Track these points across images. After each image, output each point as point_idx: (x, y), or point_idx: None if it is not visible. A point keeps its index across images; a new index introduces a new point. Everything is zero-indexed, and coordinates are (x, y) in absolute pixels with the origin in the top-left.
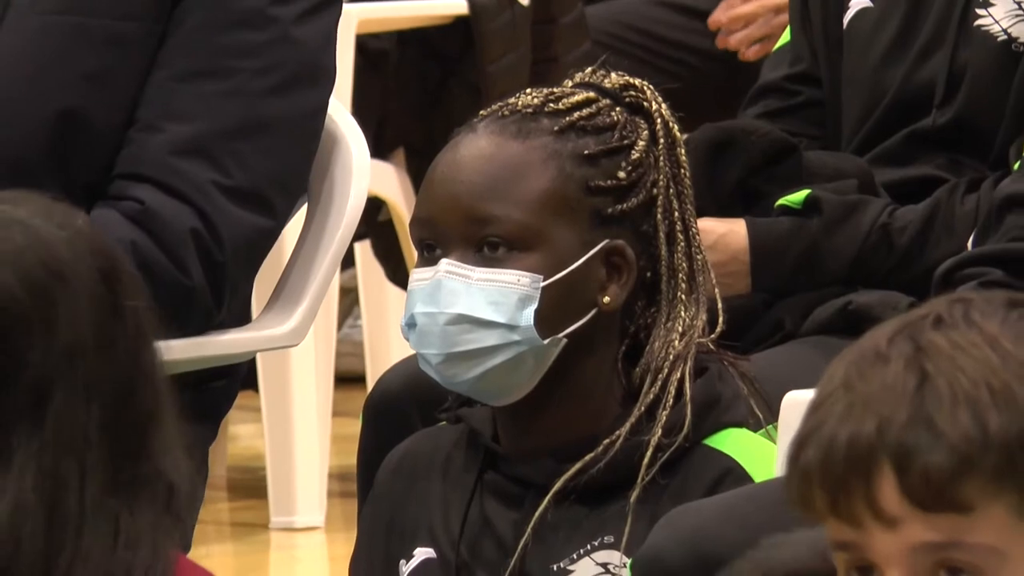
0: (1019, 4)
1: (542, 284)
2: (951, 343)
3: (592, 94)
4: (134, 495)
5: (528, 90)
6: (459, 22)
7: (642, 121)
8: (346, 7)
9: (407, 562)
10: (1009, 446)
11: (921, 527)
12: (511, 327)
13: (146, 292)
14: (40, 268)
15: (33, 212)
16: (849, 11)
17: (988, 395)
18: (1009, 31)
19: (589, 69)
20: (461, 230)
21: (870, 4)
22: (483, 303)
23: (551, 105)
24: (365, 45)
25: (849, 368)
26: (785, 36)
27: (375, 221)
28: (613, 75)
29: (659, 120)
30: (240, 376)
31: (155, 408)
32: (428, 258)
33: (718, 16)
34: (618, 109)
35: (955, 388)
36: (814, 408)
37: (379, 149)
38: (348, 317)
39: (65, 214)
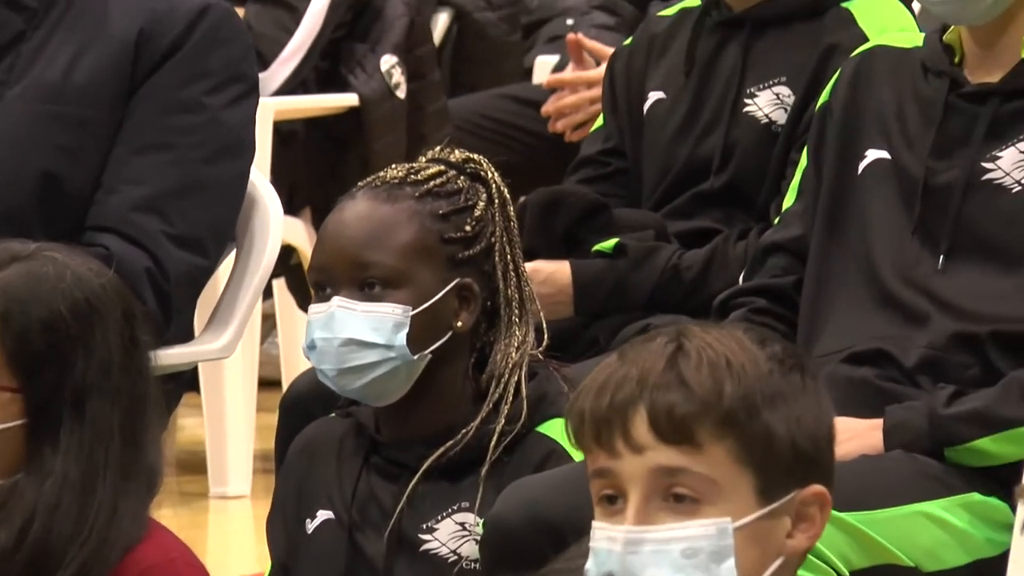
0: (778, 96)
1: (411, 313)
2: (705, 331)
3: (442, 167)
4: (131, 479)
5: (394, 165)
6: (352, 111)
7: (480, 186)
8: (266, 99)
9: (312, 521)
10: (734, 405)
11: (661, 454)
12: (388, 347)
13: (156, 328)
14: (83, 303)
15: (78, 262)
16: (647, 101)
17: (726, 366)
18: (770, 116)
19: (438, 148)
20: (347, 274)
21: (664, 96)
22: (366, 329)
23: (412, 177)
24: (280, 128)
25: (624, 347)
26: (599, 120)
27: (288, 263)
28: (456, 152)
29: (494, 185)
30: (185, 380)
31: (152, 413)
32: (322, 296)
33: (548, 107)
34: (462, 178)
35: (702, 355)
36: (592, 375)
37: (291, 208)
38: (268, 336)
39: (99, 266)
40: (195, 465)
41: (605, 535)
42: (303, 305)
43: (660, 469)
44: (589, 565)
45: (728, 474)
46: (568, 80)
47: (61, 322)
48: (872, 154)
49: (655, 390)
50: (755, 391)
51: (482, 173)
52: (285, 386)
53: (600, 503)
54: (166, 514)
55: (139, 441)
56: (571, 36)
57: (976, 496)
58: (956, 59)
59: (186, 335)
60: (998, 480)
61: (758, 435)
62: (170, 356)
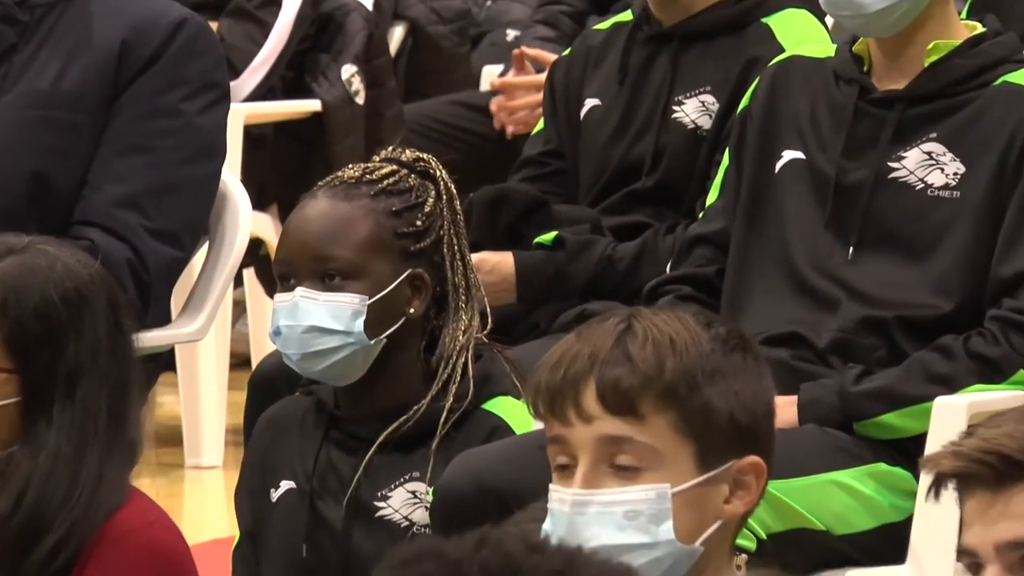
0: (703, 104)
1: (368, 302)
2: (655, 313)
3: (395, 167)
4: (115, 451)
5: (351, 166)
6: (315, 116)
7: (430, 184)
8: (237, 105)
9: (275, 491)
10: (675, 381)
11: (608, 424)
12: (347, 333)
13: (137, 314)
14: (73, 291)
15: (68, 254)
16: (584, 107)
17: (670, 344)
18: (696, 121)
19: (390, 148)
20: (309, 267)
21: (599, 102)
22: (327, 317)
23: (367, 176)
24: (250, 131)
25: (581, 327)
26: (540, 124)
27: (257, 254)
28: (407, 152)
29: (442, 183)
30: (163, 361)
31: (135, 392)
32: (286, 286)
33: (494, 105)
34: (413, 176)
35: (648, 333)
36: (551, 351)
37: (259, 204)
38: (238, 320)
39: (87, 258)
40: (172, 438)
41: (557, 497)
42: (271, 292)
43: (606, 438)
44: (546, 525)
45: (669, 444)
46: (515, 83)
47: (53, 309)
48: (788, 155)
49: (603, 365)
50: (696, 367)
51: (431, 171)
52: (254, 366)
53: (556, 468)
54: (145, 483)
55: (123, 417)
56: (516, 51)
57: (883, 466)
58: (865, 68)
59: (163, 319)
60: (903, 451)
61: (697, 408)
62: (149, 339)
